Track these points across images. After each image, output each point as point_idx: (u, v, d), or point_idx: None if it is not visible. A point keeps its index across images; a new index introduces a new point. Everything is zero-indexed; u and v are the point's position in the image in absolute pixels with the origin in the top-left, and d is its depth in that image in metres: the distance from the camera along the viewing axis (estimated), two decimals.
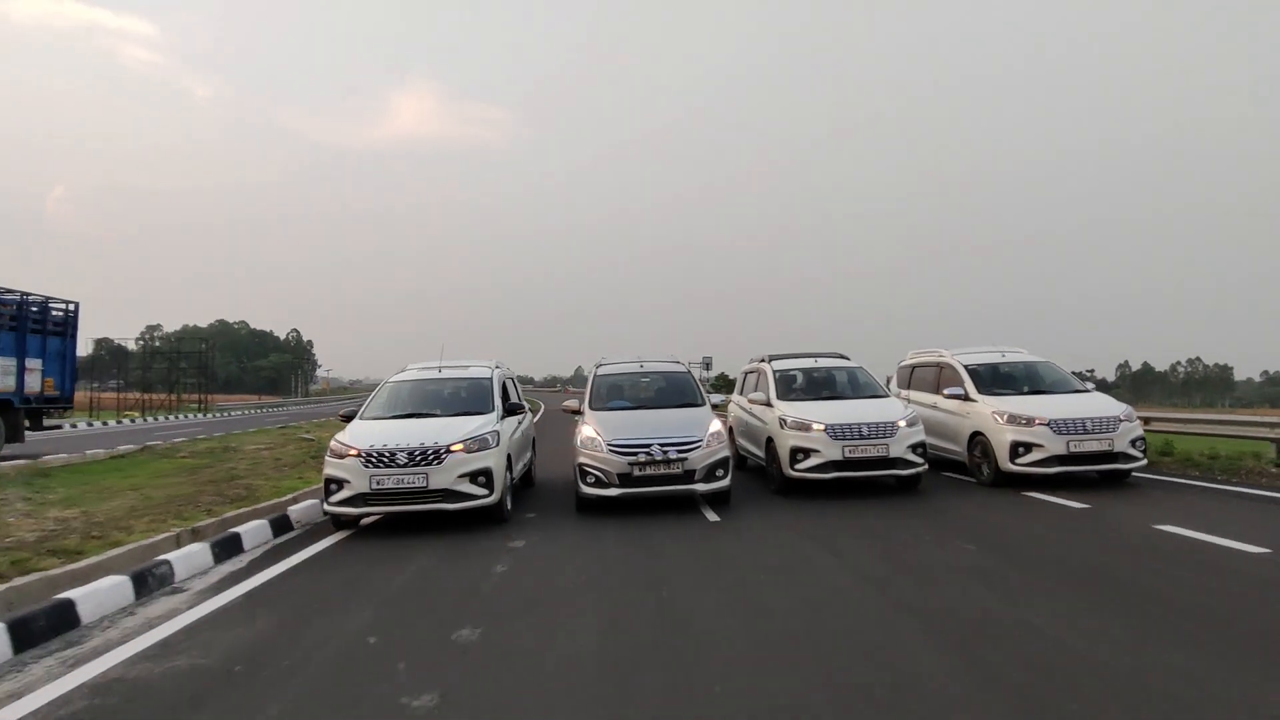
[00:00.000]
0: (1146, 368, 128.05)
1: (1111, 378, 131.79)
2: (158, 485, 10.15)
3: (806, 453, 8.70)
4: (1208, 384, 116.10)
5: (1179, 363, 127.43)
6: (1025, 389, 9.81)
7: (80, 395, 55.45)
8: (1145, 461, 8.99)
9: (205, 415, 46.15)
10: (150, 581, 5.55)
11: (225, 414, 48.69)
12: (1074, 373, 10.67)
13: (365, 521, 8.01)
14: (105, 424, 36.16)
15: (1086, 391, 9.70)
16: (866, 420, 8.73)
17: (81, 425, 34.50)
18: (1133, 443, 8.81)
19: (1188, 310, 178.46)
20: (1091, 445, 8.66)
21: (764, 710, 3.23)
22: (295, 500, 8.67)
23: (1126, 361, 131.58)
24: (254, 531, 7.21)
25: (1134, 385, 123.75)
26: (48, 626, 4.47)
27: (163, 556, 5.99)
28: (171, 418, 42.74)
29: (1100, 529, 6.74)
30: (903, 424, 8.77)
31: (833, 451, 8.58)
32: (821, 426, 8.69)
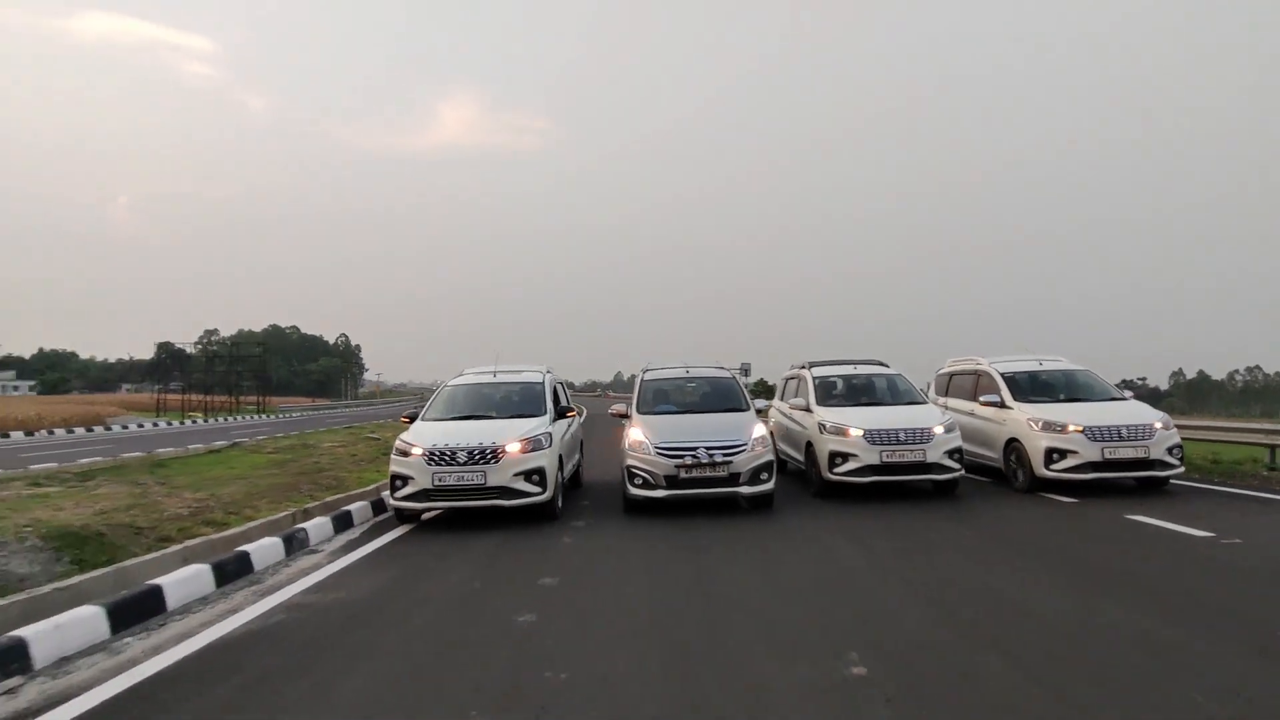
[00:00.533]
0: (1202, 376, 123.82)
1: (1165, 386, 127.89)
2: (258, 475, 11.33)
3: (845, 457, 8.97)
4: (1268, 393, 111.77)
5: (1237, 371, 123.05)
6: (1062, 396, 9.91)
7: (147, 397, 58.12)
8: (1182, 469, 9.04)
9: (264, 416, 47.99)
10: (294, 544, 7.15)
11: (285, 415, 50.61)
12: (1123, 381, 10.81)
13: (426, 516, 8.56)
14: (170, 424, 37.87)
15: (1124, 399, 9.79)
16: (903, 426, 8.97)
17: (148, 425, 36.24)
18: (1169, 450, 8.87)
19: (1246, 317, 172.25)
20: (1126, 452, 8.76)
21: (765, 626, 4.51)
22: (381, 488, 9.57)
23: (1181, 369, 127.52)
24: (359, 511, 8.69)
25: (1188, 394, 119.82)
26: (234, 570, 6.10)
27: (300, 525, 7.62)
28: (233, 419, 44.56)
29: (1084, 521, 7.61)
30: (939, 430, 8.99)
31: (870, 456, 8.84)
32: (859, 431, 8.95)
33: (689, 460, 8.17)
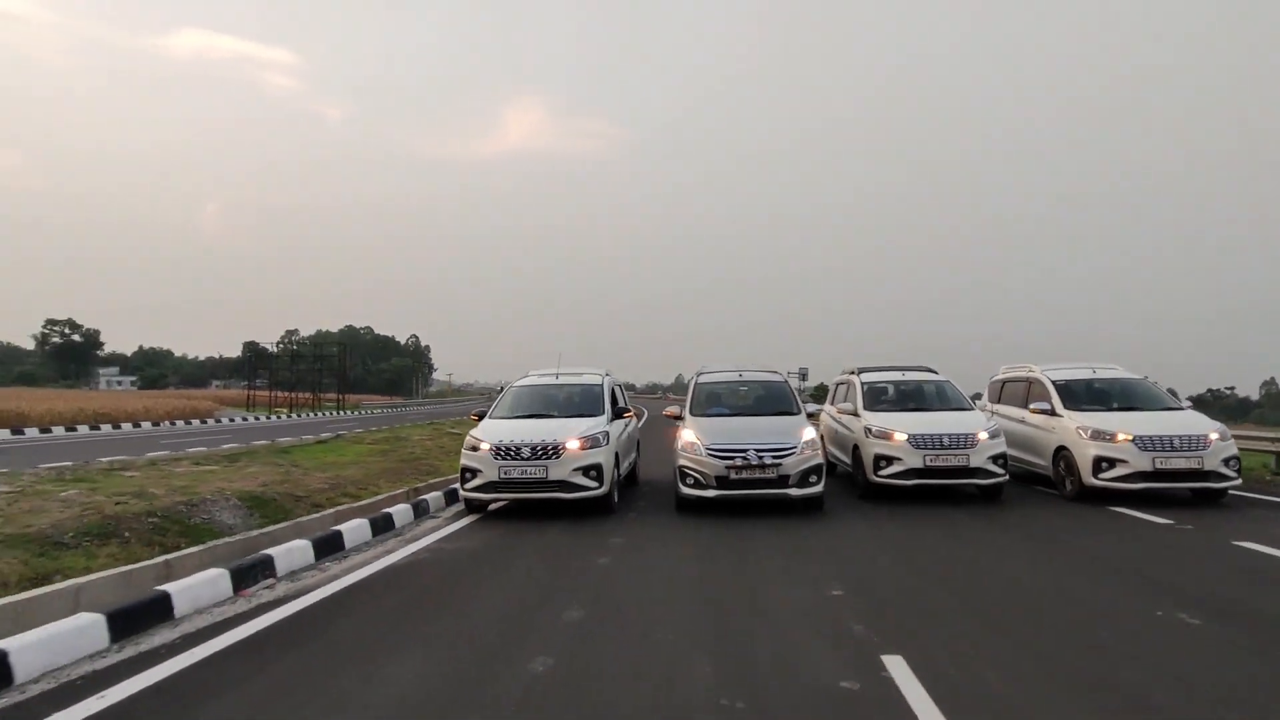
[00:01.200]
0: None
1: (1255, 395, 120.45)
2: (367, 462, 12.72)
3: (889, 460, 9.21)
4: None
5: None
6: (1115, 405, 9.84)
7: (237, 393, 61.30)
8: (1238, 481, 8.91)
9: (345, 413, 50.25)
10: (419, 510, 9.00)
11: (366, 412, 52.99)
12: (1209, 390, 10.78)
13: (493, 506, 9.18)
14: (258, 418, 40.12)
15: (1181, 409, 9.68)
16: (948, 431, 9.15)
17: (238, 419, 38.46)
18: (1225, 461, 8.75)
19: None
20: (1179, 463, 8.69)
21: (779, 572, 6.07)
22: None
23: (1273, 379, 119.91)
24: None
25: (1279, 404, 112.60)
26: (382, 526, 7.97)
27: (421, 497, 9.45)
28: (317, 414, 46.81)
29: (1112, 523, 8.04)
30: (984, 436, 9.12)
31: (914, 460, 9.06)
32: (904, 436, 9.17)
33: (739, 461, 8.41)
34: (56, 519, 6.39)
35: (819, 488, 8.57)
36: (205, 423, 34.06)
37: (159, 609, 4.86)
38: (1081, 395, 10.11)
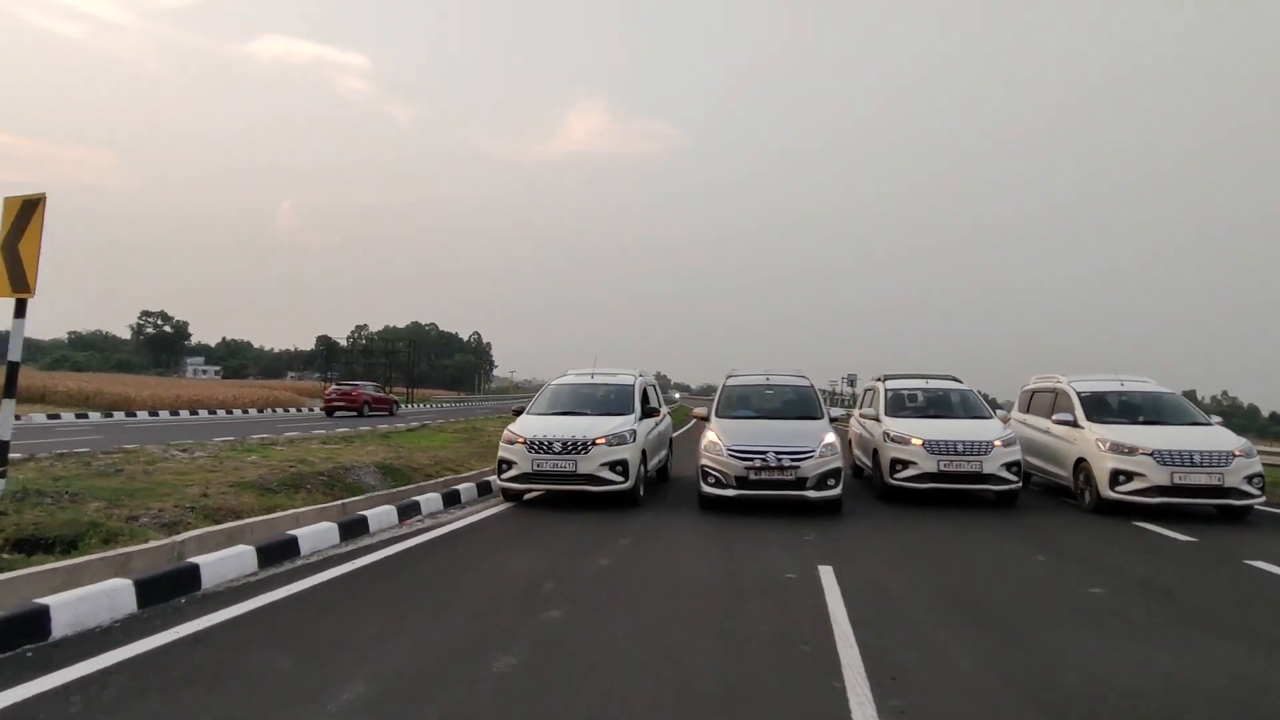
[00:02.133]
0: None
1: None
2: (455, 446, 14.59)
3: (905, 464, 9.48)
4: None
5: None
6: (1140, 419, 9.83)
7: (313, 385, 64.33)
8: (1262, 498, 8.81)
9: (414, 406, 52.33)
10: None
11: (435, 406, 55.31)
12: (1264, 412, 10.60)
13: (527, 496, 9.77)
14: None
15: (1208, 425, 9.60)
16: (962, 438, 9.35)
17: (313, 410, 40.53)
18: (1248, 479, 8.65)
19: None
20: (1198, 478, 8.63)
21: (774, 533, 7.68)
22: None
23: None
24: None
25: None
26: (485, 488, 10.24)
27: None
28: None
29: (1109, 531, 8.35)
30: (998, 443, 9.30)
31: (929, 464, 9.32)
32: (919, 441, 9.42)
33: (758, 463, 8.64)
34: (261, 474, 8.84)
35: (837, 491, 8.74)
36: (288, 411, 36.25)
37: (360, 527, 7.37)
38: (1106, 407, 10.11)
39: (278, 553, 6.07)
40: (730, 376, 11.02)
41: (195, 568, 5.23)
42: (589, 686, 3.60)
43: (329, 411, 32.12)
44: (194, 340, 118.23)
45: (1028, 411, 11.59)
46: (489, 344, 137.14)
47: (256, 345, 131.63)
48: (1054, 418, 10.30)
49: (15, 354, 6.82)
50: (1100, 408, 10.07)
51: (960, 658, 4.09)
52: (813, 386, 10.76)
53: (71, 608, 4.22)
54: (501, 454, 9.40)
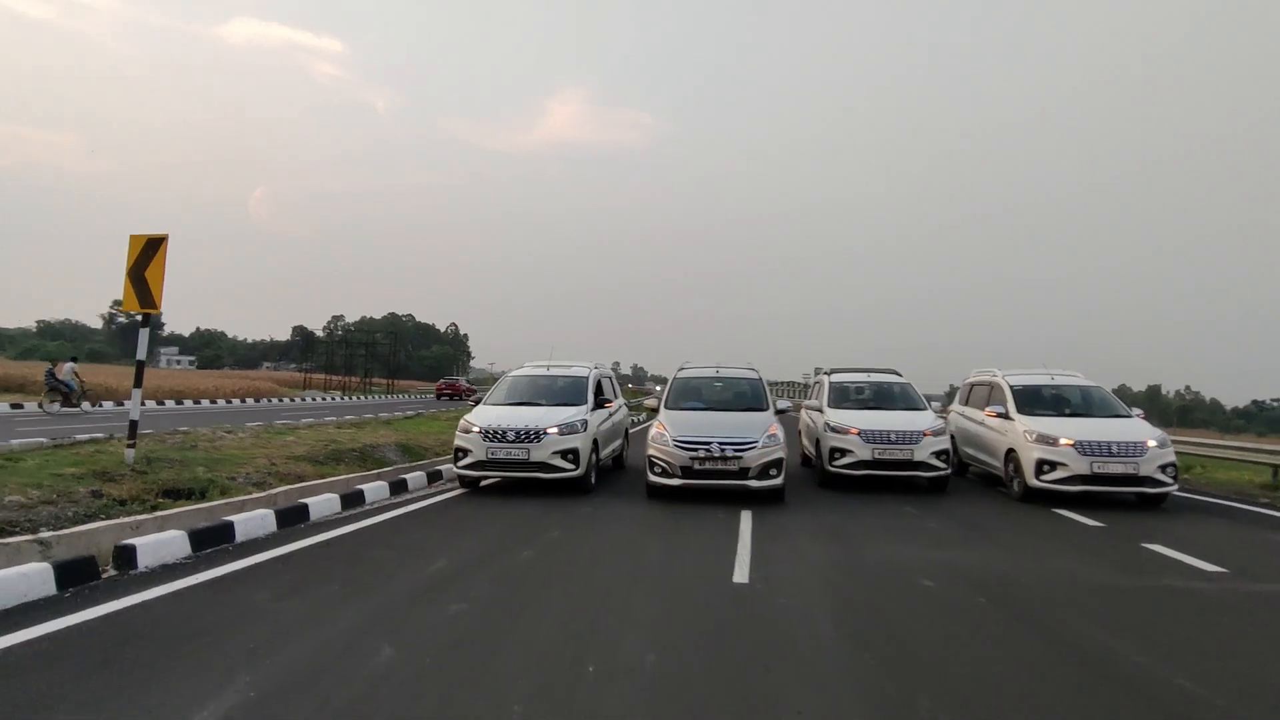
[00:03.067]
0: None
1: None
2: (453, 431, 17.07)
3: (843, 452, 10.00)
4: None
5: None
6: (1067, 411, 10.29)
7: (292, 375, 64.56)
8: (1175, 487, 9.30)
9: (396, 397, 52.76)
10: None
11: (418, 396, 55.86)
12: (1254, 402, 11.49)
13: (483, 484, 10.04)
14: (326, 399, 42.54)
15: (1128, 417, 10.08)
16: (895, 428, 9.87)
17: (310, 399, 40.63)
18: (1162, 468, 9.09)
19: None
20: (1115, 468, 9.06)
21: (708, 515, 8.38)
22: None
23: None
24: None
25: None
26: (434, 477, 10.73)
27: None
28: (369, 398, 49.19)
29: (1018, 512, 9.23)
30: (928, 433, 9.82)
31: (864, 452, 9.83)
32: (856, 431, 9.91)
33: (703, 453, 8.89)
34: (307, 450, 10.75)
35: (778, 480, 9.02)
36: (274, 401, 36.85)
37: (402, 487, 9.59)
38: (1037, 400, 10.51)
39: (351, 500, 8.43)
40: (681, 369, 11.29)
41: (305, 506, 7.63)
42: (584, 555, 6.49)
43: (439, 396, 49.11)
44: (167, 330, 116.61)
45: (967, 404, 12.06)
46: (466, 335, 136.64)
47: (231, 336, 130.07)
48: (988, 410, 10.76)
49: (141, 354, 9.11)
50: (1032, 401, 10.48)
51: (811, 554, 6.53)
52: (761, 380, 11.00)
53: (242, 525, 6.64)
54: (457, 442, 9.64)
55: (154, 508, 6.85)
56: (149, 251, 8.59)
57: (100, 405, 25.70)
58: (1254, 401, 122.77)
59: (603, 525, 7.73)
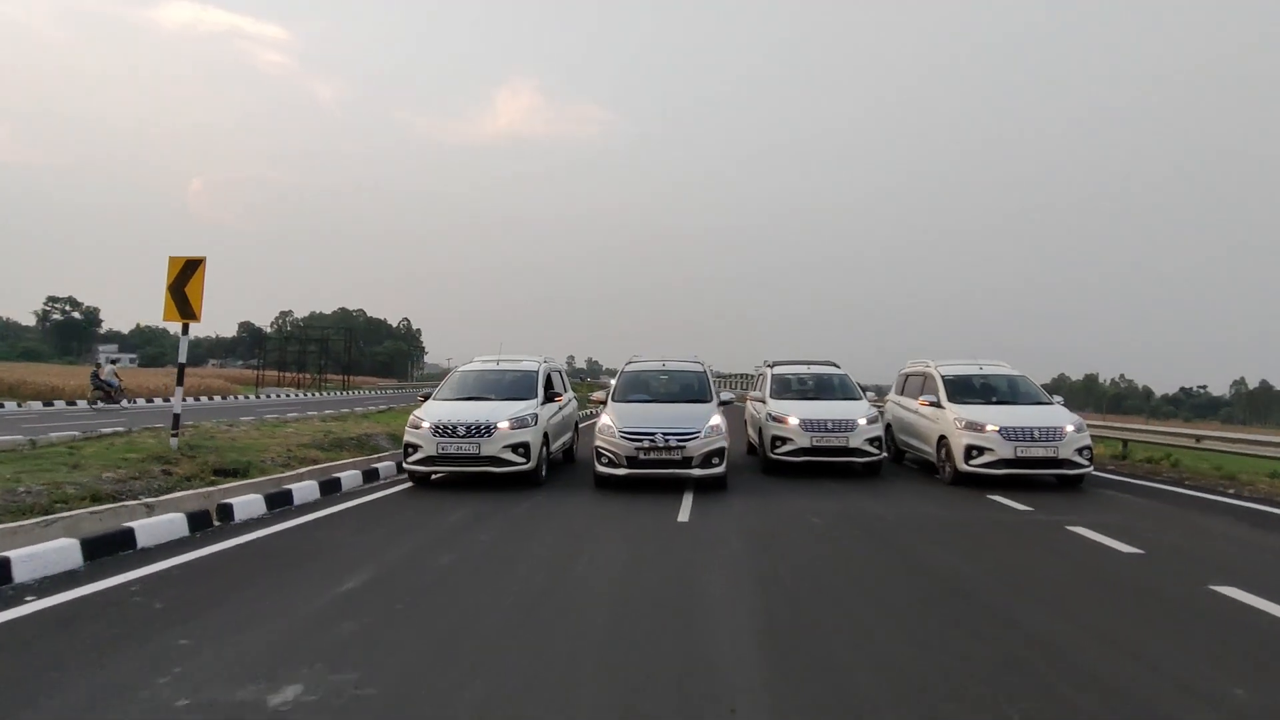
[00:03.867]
0: (1265, 386, 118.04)
1: (1225, 393, 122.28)
2: None
3: (783, 440, 10.49)
4: None
5: None
6: (994, 399, 10.82)
7: (243, 373, 63.61)
8: (1090, 468, 9.92)
9: (353, 393, 52.05)
10: None
11: (377, 392, 55.44)
12: (1181, 389, 12.25)
13: (434, 478, 10.08)
14: (288, 396, 42.03)
15: (1049, 404, 10.67)
16: (832, 416, 10.42)
17: (271, 395, 40.00)
18: (1079, 451, 9.69)
19: None
20: (1037, 451, 9.63)
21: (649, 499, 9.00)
22: None
23: (1243, 378, 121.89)
24: None
25: (1249, 404, 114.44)
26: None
27: None
28: (327, 394, 48.43)
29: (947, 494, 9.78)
30: (863, 421, 10.36)
31: (803, 440, 10.35)
32: (796, 420, 10.38)
33: (647, 444, 9.15)
34: (311, 439, 12.03)
35: (720, 469, 9.32)
36: (235, 399, 36.68)
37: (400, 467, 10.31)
38: (967, 389, 11.06)
39: (369, 476, 10.12)
40: (629, 363, 11.48)
41: (339, 479, 9.37)
42: (559, 521, 7.65)
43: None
44: (105, 328, 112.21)
45: (902, 394, 12.57)
46: (419, 330, 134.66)
47: (174, 332, 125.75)
48: (921, 399, 11.26)
49: (182, 357, 10.31)
50: (962, 390, 11.01)
51: (741, 509, 8.20)
52: (706, 372, 11.22)
53: (297, 492, 8.38)
54: (407, 438, 9.64)
55: (211, 483, 8.28)
56: (188, 270, 9.81)
57: (135, 401, 29.00)
58: (1182, 389, 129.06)
59: (571, 500, 8.78)
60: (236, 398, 37.92)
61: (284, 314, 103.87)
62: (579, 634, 4.16)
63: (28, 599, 4.63)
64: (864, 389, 12.26)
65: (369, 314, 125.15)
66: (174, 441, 9.74)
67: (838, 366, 12.23)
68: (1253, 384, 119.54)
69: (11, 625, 4.21)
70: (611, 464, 9.36)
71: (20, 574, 5.05)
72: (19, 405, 25.15)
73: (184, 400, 33.71)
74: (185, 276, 9.76)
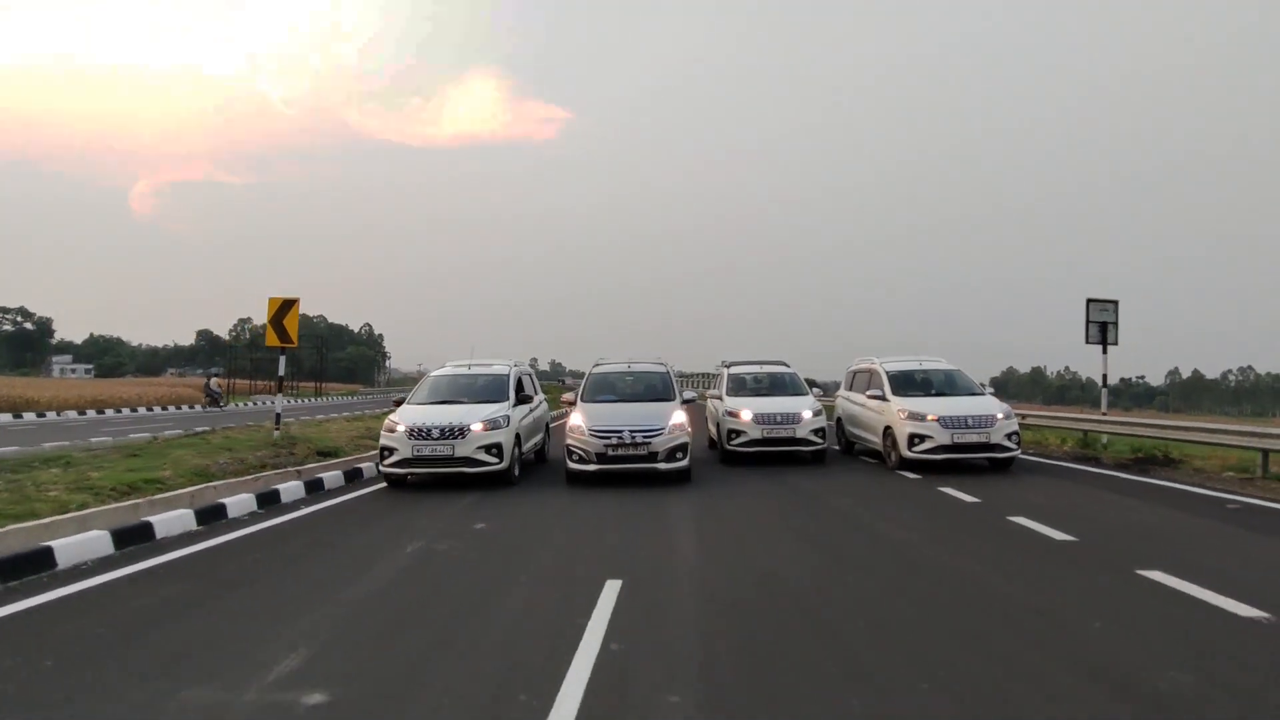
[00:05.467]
0: (1196, 375, 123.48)
1: (1161, 383, 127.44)
2: None
3: (739, 433, 11.56)
4: (1258, 392, 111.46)
5: (1230, 371, 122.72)
6: (932, 391, 11.61)
7: (217, 381, 63.04)
8: (1018, 452, 10.81)
9: (327, 399, 51.65)
10: None
11: (352, 397, 55.00)
12: (1121, 379, 13.16)
13: (411, 480, 10.35)
14: (257, 404, 41.44)
15: (981, 395, 11.49)
16: (780, 410, 11.55)
17: (247, 405, 39.49)
18: (1008, 436, 10.55)
19: (1245, 319, 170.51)
20: (971, 437, 10.46)
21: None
22: None
23: (1177, 368, 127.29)
24: None
25: (1183, 392, 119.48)
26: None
27: None
28: (302, 400, 47.99)
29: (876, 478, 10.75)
30: (807, 414, 11.50)
31: (755, 432, 11.45)
32: (749, 414, 11.41)
33: (615, 441, 9.66)
34: (356, 434, 14.37)
35: (684, 463, 9.85)
36: (189, 409, 35.77)
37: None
38: (909, 383, 11.82)
39: None
40: (597, 364, 11.97)
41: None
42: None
43: None
44: (57, 337, 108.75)
45: (850, 389, 13.32)
46: (381, 335, 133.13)
47: (130, 342, 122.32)
48: (868, 393, 12.03)
49: (281, 371, 13.46)
50: (904, 384, 11.77)
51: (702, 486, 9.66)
52: (669, 373, 11.75)
53: (367, 470, 11.02)
54: (383, 441, 9.92)
55: (317, 461, 11.09)
56: (285, 308, 12.29)
57: (238, 406, 33.83)
58: (1122, 379, 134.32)
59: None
60: (189, 407, 37.47)
61: (242, 321, 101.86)
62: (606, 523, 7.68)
63: (276, 516, 7.92)
64: (812, 384, 13.28)
65: (330, 320, 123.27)
66: (276, 434, 12.42)
67: (787, 365, 13.35)
68: (1186, 374, 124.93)
69: (278, 530, 7.38)
70: (582, 460, 9.83)
71: (288, 495, 8.97)
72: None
73: (165, 409, 34.83)
74: (283, 312, 12.20)
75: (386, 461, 9.85)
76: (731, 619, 4.46)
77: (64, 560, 5.62)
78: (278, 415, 12.77)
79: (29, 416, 26.66)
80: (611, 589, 4.92)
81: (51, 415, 27.63)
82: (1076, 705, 3.22)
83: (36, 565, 5.44)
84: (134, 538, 6.45)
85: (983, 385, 11.98)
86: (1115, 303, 13.39)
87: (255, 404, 41.35)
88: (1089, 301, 13.31)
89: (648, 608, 4.64)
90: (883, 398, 11.61)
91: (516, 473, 10.40)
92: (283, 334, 12.23)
